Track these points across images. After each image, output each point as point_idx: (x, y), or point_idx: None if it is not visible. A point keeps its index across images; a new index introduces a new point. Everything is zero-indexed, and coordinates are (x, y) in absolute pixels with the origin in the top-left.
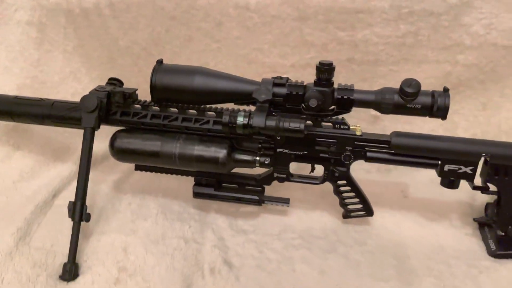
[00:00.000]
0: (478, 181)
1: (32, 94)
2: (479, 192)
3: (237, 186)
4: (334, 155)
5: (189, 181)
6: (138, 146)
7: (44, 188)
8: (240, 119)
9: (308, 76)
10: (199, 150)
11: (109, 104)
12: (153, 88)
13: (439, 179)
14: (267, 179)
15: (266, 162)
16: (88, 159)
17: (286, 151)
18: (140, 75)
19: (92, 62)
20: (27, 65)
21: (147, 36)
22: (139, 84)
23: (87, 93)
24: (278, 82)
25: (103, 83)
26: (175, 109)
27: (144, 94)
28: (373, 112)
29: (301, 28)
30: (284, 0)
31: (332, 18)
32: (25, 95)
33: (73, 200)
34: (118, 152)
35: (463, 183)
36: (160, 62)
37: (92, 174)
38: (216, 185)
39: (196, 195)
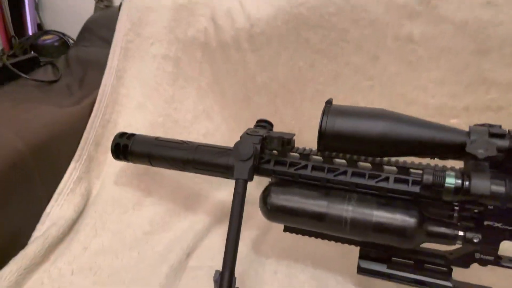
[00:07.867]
0: None
1: (164, 133)
2: None
3: (412, 262)
4: None
5: (342, 247)
6: (299, 205)
7: (177, 244)
8: (451, 181)
9: (487, 122)
10: (379, 216)
11: (262, 151)
12: (322, 134)
13: None
14: (464, 260)
15: (475, 240)
16: (239, 217)
17: (499, 225)
18: (277, 115)
19: (226, 99)
20: (161, 101)
21: (287, 71)
22: (275, 125)
23: (218, 133)
24: (496, 132)
25: (236, 122)
26: (343, 160)
27: None
28: None
29: (479, 63)
30: (458, 31)
31: None
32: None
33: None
34: (273, 210)
35: None
36: (329, 102)
37: (222, 229)
38: (388, 260)
39: (362, 270)
